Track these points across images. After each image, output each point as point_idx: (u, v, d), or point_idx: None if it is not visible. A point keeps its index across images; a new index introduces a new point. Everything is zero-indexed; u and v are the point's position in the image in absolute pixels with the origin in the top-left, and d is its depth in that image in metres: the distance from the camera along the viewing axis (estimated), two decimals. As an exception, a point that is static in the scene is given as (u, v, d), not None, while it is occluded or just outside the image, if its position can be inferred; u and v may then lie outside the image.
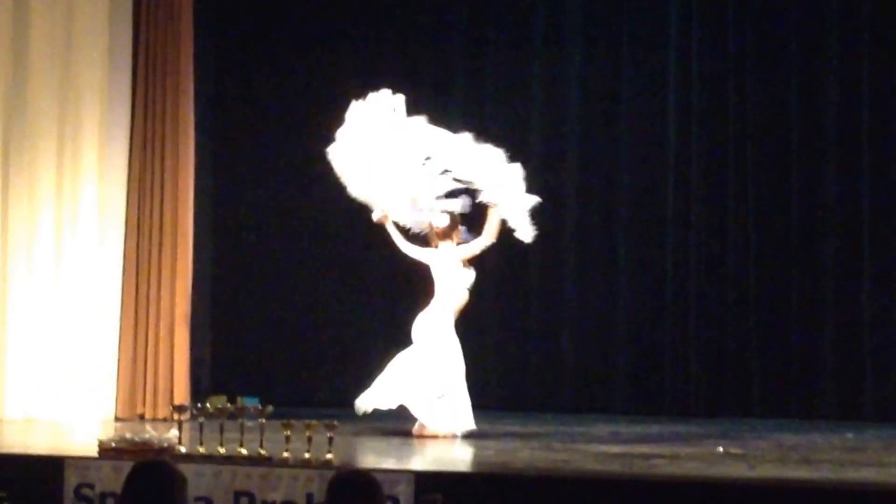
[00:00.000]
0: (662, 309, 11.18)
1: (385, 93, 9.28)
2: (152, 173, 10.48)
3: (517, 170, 9.14)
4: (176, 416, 8.14)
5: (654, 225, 11.25)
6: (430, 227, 9.26)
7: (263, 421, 7.33)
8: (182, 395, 10.32)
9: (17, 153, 10.09)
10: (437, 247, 9.25)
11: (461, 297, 9.19)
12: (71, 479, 7.12)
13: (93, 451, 7.43)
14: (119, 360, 10.35)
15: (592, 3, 11.48)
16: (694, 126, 11.16)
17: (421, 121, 9.27)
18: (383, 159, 9.25)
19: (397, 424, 9.39)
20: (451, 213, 9.23)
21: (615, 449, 8.35)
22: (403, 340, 9.48)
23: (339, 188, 11.72)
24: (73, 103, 10.24)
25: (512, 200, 9.10)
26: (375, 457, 8.26)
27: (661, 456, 7.94)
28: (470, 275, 9.20)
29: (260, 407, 7.45)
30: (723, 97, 11.13)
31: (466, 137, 9.19)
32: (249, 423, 7.33)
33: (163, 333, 10.40)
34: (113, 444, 7.40)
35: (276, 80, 11.80)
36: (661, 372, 11.17)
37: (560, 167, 11.44)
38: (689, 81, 11.18)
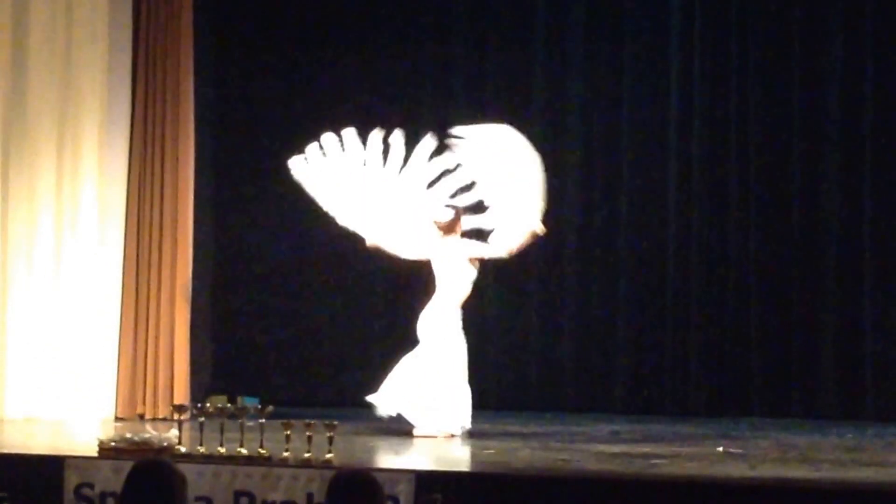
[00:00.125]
0: (663, 309, 11.18)
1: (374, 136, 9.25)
2: (152, 173, 10.48)
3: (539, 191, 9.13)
4: (176, 416, 8.14)
5: (655, 224, 11.25)
6: (433, 223, 9.24)
7: (263, 421, 7.33)
8: (182, 394, 10.32)
9: (17, 153, 10.09)
10: (440, 240, 9.23)
11: (465, 291, 9.18)
12: (71, 479, 7.11)
13: (93, 450, 7.43)
14: (119, 359, 10.35)
15: (594, 1, 11.47)
16: (696, 126, 11.16)
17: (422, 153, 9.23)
18: (357, 187, 9.27)
19: (397, 424, 9.39)
20: (455, 207, 9.22)
21: (615, 449, 8.35)
22: (404, 340, 9.49)
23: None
24: (73, 103, 10.24)
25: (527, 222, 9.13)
26: (375, 457, 8.26)
27: (661, 456, 7.94)
28: (473, 270, 9.19)
29: (260, 407, 7.45)
30: (725, 98, 11.13)
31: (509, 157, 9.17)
32: (249, 423, 7.33)
33: (163, 333, 10.40)
34: (113, 444, 7.41)
35: (277, 79, 11.80)
36: (661, 372, 11.17)
37: (560, 167, 11.42)
38: (691, 81, 11.18)
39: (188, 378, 10.45)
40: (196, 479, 6.81)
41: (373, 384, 11.29)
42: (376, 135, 9.31)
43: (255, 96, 11.81)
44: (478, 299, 9.36)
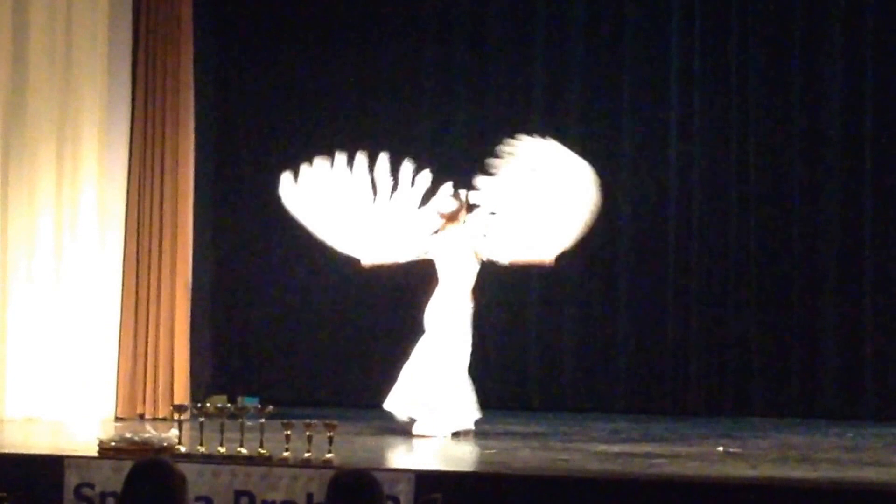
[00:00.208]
0: (663, 309, 11.19)
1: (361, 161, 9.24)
2: (152, 173, 10.48)
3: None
4: (176, 416, 8.14)
5: (656, 224, 11.25)
6: (437, 211, 9.21)
7: (263, 420, 7.34)
8: (182, 394, 10.32)
9: (17, 154, 10.09)
10: (443, 230, 9.21)
11: (470, 280, 9.14)
12: (71, 479, 7.11)
13: (93, 450, 7.43)
14: (119, 359, 10.35)
15: (594, 1, 11.47)
16: (696, 126, 11.17)
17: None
18: (348, 212, 9.24)
19: (397, 424, 9.39)
20: (458, 196, 9.20)
21: (615, 449, 8.36)
22: (404, 340, 9.49)
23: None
24: (73, 104, 10.23)
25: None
26: (375, 456, 8.26)
27: (661, 456, 7.94)
28: (475, 262, 9.16)
29: (260, 406, 7.45)
30: (725, 98, 11.13)
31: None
32: (249, 423, 7.33)
33: (163, 333, 10.40)
34: (113, 444, 7.40)
35: (277, 79, 11.80)
36: (662, 372, 11.17)
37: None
38: (691, 82, 11.18)
39: (188, 378, 10.45)
40: (196, 479, 6.81)
41: (373, 384, 11.31)
42: (363, 160, 9.25)
43: (256, 96, 11.81)
44: (478, 299, 9.36)
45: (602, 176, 11.42)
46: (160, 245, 10.45)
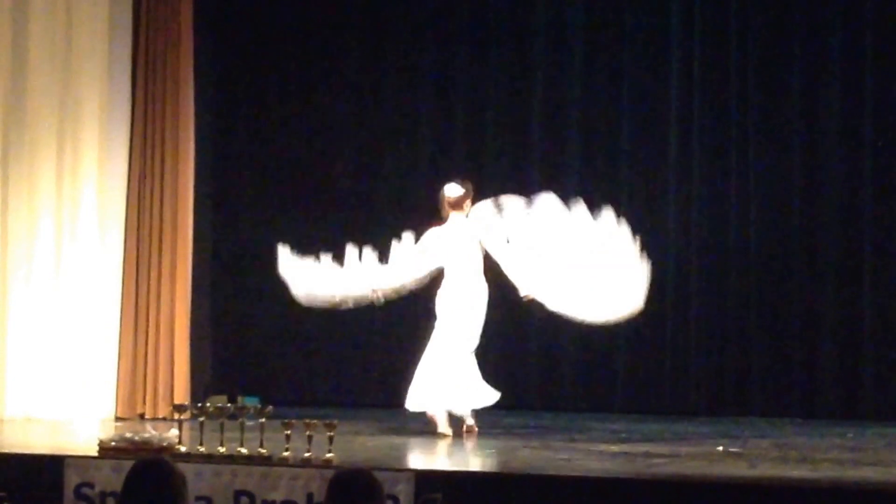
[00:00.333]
0: (663, 308, 11.18)
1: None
2: (152, 173, 10.48)
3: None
4: (176, 416, 8.14)
5: (655, 224, 11.23)
6: (442, 199, 9.18)
7: (263, 420, 7.33)
8: (182, 394, 10.33)
9: (16, 154, 10.09)
10: (446, 217, 9.16)
11: (480, 261, 9.05)
12: (71, 479, 7.11)
13: (93, 450, 7.43)
14: (119, 359, 10.36)
15: (594, 2, 11.47)
16: (695, 126, 11.16)
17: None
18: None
19: (397, 424, 9.40)
20: (465, 184, 9.16)
21: (615, 448, 8.36)
22: (404, 339, 9.49)
23: (340, 187, 11.79)
24: (73, 104, 10.24)
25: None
26: (375, 456, 8.25)
27: (661, 455, 7.94)
28: (478, 249, 9.11)
29: (260, 406, 7.45)
30: (725, 98, 11.12)
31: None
32: (250, 423, 7.32)
33: (163, 333, 10.41)
34: (113, 444, 7.41)
35: (277, 80, 11.80)
36: (661, 372, 11.17)
37: (560, 167, 11.43)
38: (691, 82, 11.18)
39: (188, 378, 10.46)
40: (196, 479, 6.81)
41: (373, 384, 11.34)
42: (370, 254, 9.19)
43: (256, 96, 11.81)
44: (490, 281, 9.33)
45: (601, 176, 11.49)
46: (160, 245, 10.46)
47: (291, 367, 11.61)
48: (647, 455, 7.93)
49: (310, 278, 9.17)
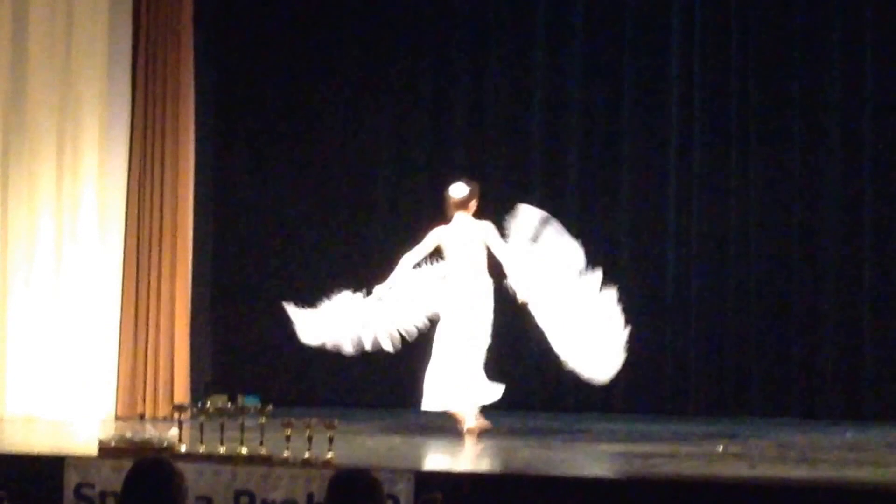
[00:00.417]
0: (663, 308, 11.18)
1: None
2: (152, 173, 10.48)
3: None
4: (176, 416, 8.15)
5: (656, 224, 11.24)
6: (448, 198, 9.19)
7: (264, 420, 7.34)
8: (182, 394, 10.32)
9: (16, 154, 10.10)
10: (451, 217, 9.17)
11: (484, 257, 9.07)
12: (71, 479, 7.12)
13: (93, 450, 7.43)
14: (119, 359, 10.35)
15: (595, 3, 11.47)
16: (696, 127, 11.16)
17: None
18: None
19: (397, 424, 9.40)
20: (470, 183, 9.18)
21: (615, 448, 8.36)
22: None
23: (339, 188, 11.78)
24: (73, 103, 10.24)
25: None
26: (375, 456, 8.26)
27: (661, 455, 7.95)
28: (483, 248, 9.14)
29: (260, 406, 7.45)
30: (725, 98, 11.12)
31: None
32: (250, 423, 7.33)
33: (163, 333, 10.40)
34: (113, 444, 7.41)
35: (277, 80, 11.79)
36: (661, 372, 11.17)
37: (561, 166, 11.43)
38: (692, 82, 11.17)
39: (188, 378, 10.46)
40: (196, 479, 6.82)
41: (373, 384, 11.33)
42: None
43: (256, 96, 11.81)
44: (493, 276, 9.34)
45: (602, 176, 11.49)
46: (160, 245, 10.45)
47: (291, 367, 11.60)
48: (647, 455, 7.93)
49: (317, 325, 9.17)
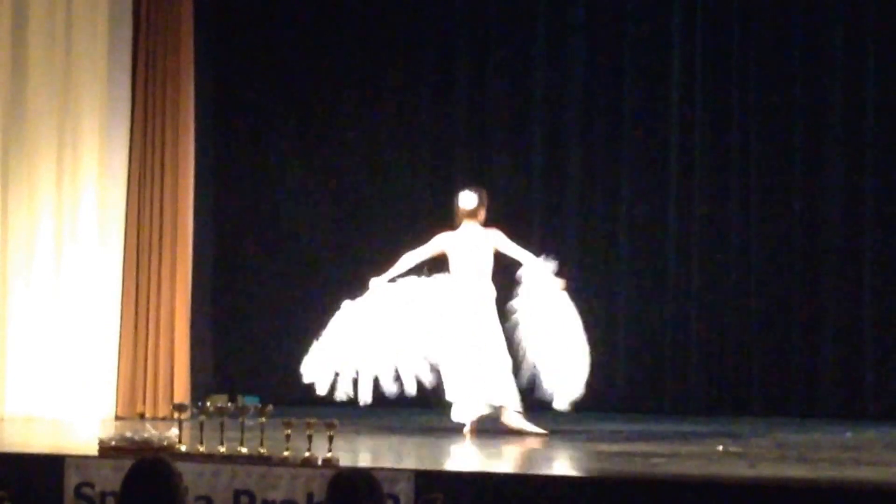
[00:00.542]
0: (663, 308, 11.18)
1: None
2: (152, 173, 10.48)
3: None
4: (176, 415, 8.15)
5: (656, 224, 11.24)
6: (457, 206, 9.21)
7: (264, 420, 7.34)
8: (182, 393, 10.32)
9: (16, 153, 10.10)
10: (460, 224, 9.17)
11: (490, 266, 9.11)
12: (71, 478, 7.12)
13: (93, 449, 7.43)
14: (119, 358, 10.35)
15: (595, 3, 11.47)
16: (696, 127, 11.16)
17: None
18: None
19: (397, 424, 9.40)
20: (479, 191, 9.20)
21: (615, 448, 8.36)
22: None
23: (340, 187, 11.79)
24: (73, 103, 10.24)
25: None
26: (375, 456, 8.26)
27: (661, 454, 7.95)
28: (490, 255, 9.15)
29: (260, 406, 7.45)
30: (726, 98, 11.12)
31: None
32: (250, 422, 7.33)
33: (163, 333, 10.40)
34: (113, 443, 7.40)
35: (277, 81, 11.80)
36: (661, 372, 11.17)
37: (561, 166, 11.43)
38: (692, 82, 11.17)
39: (188, 377, 10.45)
40: (196, 479, 6.82)
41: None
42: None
43: (255, 97, 11.81)
44: (497, 285, 9.34)
45: (602, 176, 11.48)
46: (160, 245, 10.45)
47: (291, 367, 11.59)
48: (647, 455, 7.93)
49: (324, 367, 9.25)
